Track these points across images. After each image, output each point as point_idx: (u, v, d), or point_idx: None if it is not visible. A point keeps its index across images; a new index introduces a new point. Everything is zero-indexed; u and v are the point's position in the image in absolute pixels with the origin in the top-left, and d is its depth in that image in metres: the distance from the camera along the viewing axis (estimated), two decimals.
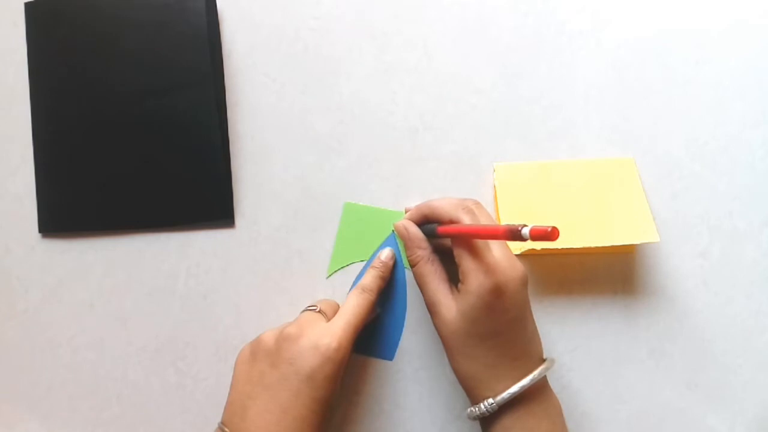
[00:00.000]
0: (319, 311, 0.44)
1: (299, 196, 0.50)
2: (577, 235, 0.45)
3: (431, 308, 0.43)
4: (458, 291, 0.42)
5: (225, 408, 0.42)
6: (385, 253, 0.48)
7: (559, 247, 0.45)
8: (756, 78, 0.49)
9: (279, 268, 0.50)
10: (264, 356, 0.42)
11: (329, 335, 0.41)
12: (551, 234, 0.32)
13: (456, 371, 0.42)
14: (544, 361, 0.42)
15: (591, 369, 0.48)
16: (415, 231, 0.45)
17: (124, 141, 0.51)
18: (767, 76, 0.49)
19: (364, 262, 0.49)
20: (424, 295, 0.44)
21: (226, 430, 0.41)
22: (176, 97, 0.50)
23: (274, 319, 0.49)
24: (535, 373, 0.40)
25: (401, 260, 0.49)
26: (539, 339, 0.43)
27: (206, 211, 0.50)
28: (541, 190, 0.48)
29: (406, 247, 0.46)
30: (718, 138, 0.49)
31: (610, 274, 0.48)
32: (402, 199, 0.50)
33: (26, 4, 0.52)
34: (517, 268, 0.41)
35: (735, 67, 0.49)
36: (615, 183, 0.47)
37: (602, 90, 0.50)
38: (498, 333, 0.40)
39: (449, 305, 0.42)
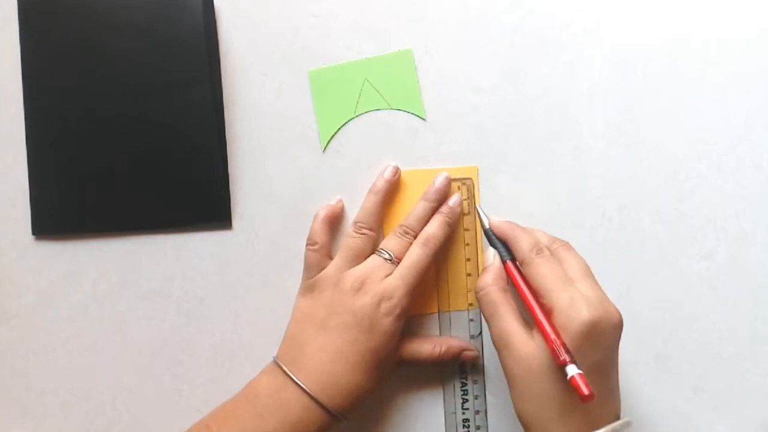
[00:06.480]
0: (390, 261, 0.44)
1: (298, 197, 0.50)
2: None
3: (503, 341, 0.39)
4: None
5: (282, 344, 0.45)
6: (453, 199, 0.46)
7: None
8: (763, 77, 0.48)
9: (277, 270, 0.49)
10: (327, 300, 0.44)
11: (390, 298, 0.43)
12: (588, 397, 0.35)
13: (520, 412, 0.39)
14: (619, 418, 0.39)
15: None
16: (498, 263, 0.43)
17: (118, 142, 0.50)
18: None
19: (353, 119, 0.49)
20: (492, 328, 0.40)
21: (282, 365, 0.43)
22: (172, 97, 0.49)
23: (273, 323, 0.48)
24: (610, 427, 0.37)
25: None
26: (618, 396, 0.40)
27: (203, 213, 0.50)
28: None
29: (482, 272, 0.43)
30: (724, 138, 0.48)
31: (613, 277, 0.48)
32: None
33: (20, 3, 0.51)
34: (612, 311, 0.38)
35: (742, 67, 0.49)
36: None
37: (607, 90, 0.49)
38: None
39: (524, 339, 0.39)
